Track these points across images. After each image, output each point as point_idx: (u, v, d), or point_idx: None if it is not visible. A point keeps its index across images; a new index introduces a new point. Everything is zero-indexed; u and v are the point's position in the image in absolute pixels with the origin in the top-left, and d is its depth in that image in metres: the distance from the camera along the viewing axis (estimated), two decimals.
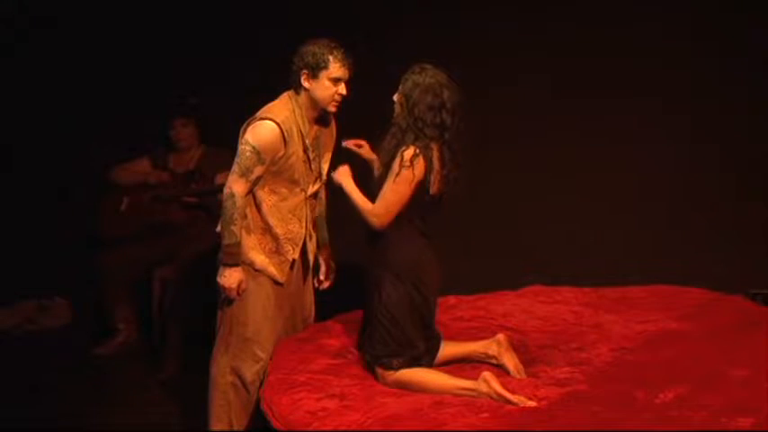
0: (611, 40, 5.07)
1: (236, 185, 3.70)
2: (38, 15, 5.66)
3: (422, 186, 3.53)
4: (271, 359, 3.79)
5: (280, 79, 3.81)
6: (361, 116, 3.76)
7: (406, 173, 3.49)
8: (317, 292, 4.09)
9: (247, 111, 3.79)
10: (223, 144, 4.55)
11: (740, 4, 4.95)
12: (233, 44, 5.49)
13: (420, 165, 3.49)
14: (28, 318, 5.71)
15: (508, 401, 3.35)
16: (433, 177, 3.53)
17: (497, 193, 5.16)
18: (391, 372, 3.59)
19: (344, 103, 3.78)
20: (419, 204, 3.57)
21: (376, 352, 3.64)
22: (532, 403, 3.34)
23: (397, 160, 3.51)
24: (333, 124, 3.95)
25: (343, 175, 3.71)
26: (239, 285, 3.78)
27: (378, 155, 3.70)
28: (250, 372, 3.83)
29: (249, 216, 3.79)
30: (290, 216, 3.83)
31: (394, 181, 3.52)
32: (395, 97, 3.61)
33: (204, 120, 5.36)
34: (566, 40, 5.12)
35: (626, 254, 5.05)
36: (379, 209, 3.57)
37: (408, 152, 3.50)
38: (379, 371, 3.62)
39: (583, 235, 5.15)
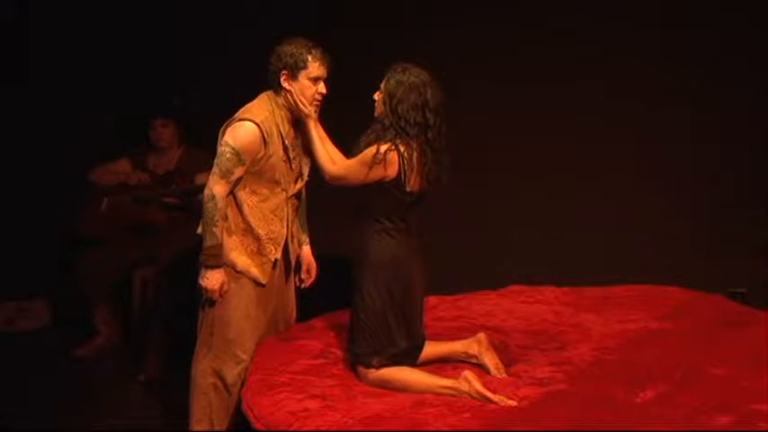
0: (597, 38, 5.06)
1: (216, 187, 3.69)
2: (20, 14, 5.62)
3: (397, 184, 3.53)
4: (252, 360, 3.79)
5: (262, 79, 3.80)
6: (344, 115, 3.76)
7: (371, 161, 3.48)
8: (299, 291, 4.08)
9: (229, 110, 3.78)
10: (204, 144, 4.53)
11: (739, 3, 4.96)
12: (214, 43, 5.46)
13: (393, 162, 3.49)
14: (6, 319, 5.66)
15: (489, 401, 3.36)
16: (411, 175, 3.53)
17: (479, 193, 5.15)
18: (372, 370, 3.59)
19: (326, 101, 3.78)
20: (396, 202, 3.57)
21: (357, 350, 3.64)
22: (513, 403, 3.35)
23: (373, 147, 3.52)
24: None
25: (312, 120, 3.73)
26: (221, 287, 3.76)
27: (356, 150, 3.69)
28: (231, 374, 3.82)
29: (230, 217, 3.77)
30: (271, 216, 3.82)
31: (361, 158, 3.53)
32: (375, 96, 3.61)
33: (185, 120, 5.34)
34: (554, 39, 5.12)
35: (607, 254, 5.06)
36: (339, 171, 3.63)
37: (383, 147, 3.50)
38: (361, 369, 3.62)
39: (564, 235, 5.16)
